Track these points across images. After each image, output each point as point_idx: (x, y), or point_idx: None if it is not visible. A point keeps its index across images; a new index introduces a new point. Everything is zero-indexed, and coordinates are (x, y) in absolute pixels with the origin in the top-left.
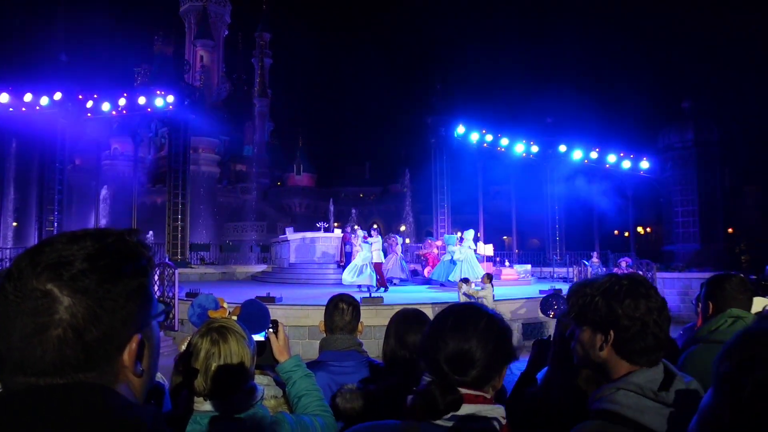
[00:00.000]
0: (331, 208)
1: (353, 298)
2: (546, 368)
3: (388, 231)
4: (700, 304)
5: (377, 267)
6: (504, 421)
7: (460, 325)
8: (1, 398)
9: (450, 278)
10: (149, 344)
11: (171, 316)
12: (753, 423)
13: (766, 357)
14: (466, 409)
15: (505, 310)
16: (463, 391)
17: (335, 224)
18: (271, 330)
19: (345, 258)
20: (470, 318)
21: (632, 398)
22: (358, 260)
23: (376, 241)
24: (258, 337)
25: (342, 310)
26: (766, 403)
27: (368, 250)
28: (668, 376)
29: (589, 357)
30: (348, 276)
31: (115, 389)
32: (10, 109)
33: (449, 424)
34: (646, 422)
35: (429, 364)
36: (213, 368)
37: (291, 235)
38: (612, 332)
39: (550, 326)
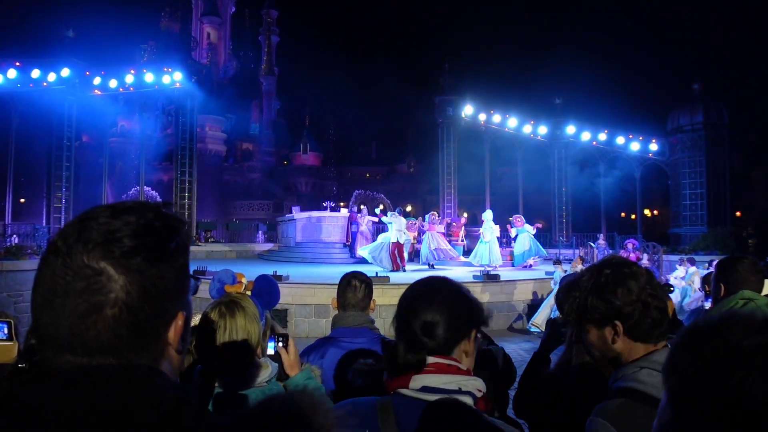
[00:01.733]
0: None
1: (366, 275)
2: (562, 348)
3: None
4: (707, 287)
5: (397, 248)
6: (480, 394)
7: (424, 294)
8: (51, 377)
9: (472, 260)
10: (187, 320)
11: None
12: None
13: (720, 363)
14: (437, 379)
15: (511, 291)
16: (433, 359)
17: (341, 204)
18: (281, 344)
19: (351, 237)
20: (433, 287)
21: (656, 377)
22: (380, 239)
23: (397, 221)
24: (269, 351)
25: (355, 288)
26: (737, 425)
27: (394, 229)
28: None
29: (605, 354)
30: (365, 252)
31: (160, 369)
32: (18, 85)
33: (416, 395)
34: None
35: (401, 330)
36: (218, 341)
37: (297, 214)
38: (618, 323)
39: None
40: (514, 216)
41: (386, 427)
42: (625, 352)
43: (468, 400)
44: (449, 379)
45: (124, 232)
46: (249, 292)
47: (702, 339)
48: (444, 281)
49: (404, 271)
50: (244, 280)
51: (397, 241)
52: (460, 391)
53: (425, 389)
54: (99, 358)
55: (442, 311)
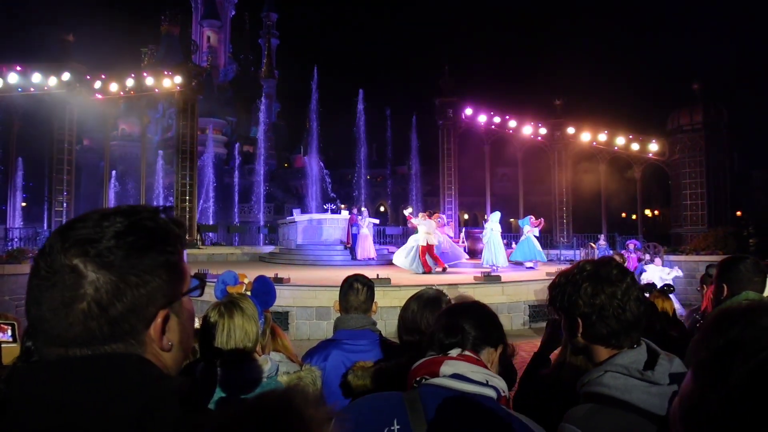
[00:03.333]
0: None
1: (367, 278)
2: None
3: (395, 212)
4: (704, 286)
5: (427, 250)
6: (504, 393)
7: (461, 308)
8: (36, 367)
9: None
10: (179, 319)
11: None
12: (748, 417)
13: (748, 341)
14: (467, 368)
15: (512, 292)
16: (465, 352)
17: (342, 206)
18: None
19: (352, 240)
20: (468, 304)
21: (620, 379)
22: (411, 242)
23: (426, 223)
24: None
25: (357, 290)
26: (760, 394)
27: (423, 231)
28: (652, 355)
29: (574, 344)
30: (400, 259)
31: (147, 358)
32: (19, 90)
33: (445, 382)
34: (635, 401)
35: (439, 328)
36: (217, 340)
37: (298, 216)
38: (579, 320)
39: None
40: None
41: (415, 419)
42: (589, 349)
43: (492, 393)
44: (478, 370)
45: (106, 233)
46: (249, 292)
47: (730, 321)
48: (476, 302)
49: (442, 272)
50: (245, 281)
51: (426, 243)
52: (487, 384)
53: (456, 377)
54: (74, 349)
55: (475, 319)
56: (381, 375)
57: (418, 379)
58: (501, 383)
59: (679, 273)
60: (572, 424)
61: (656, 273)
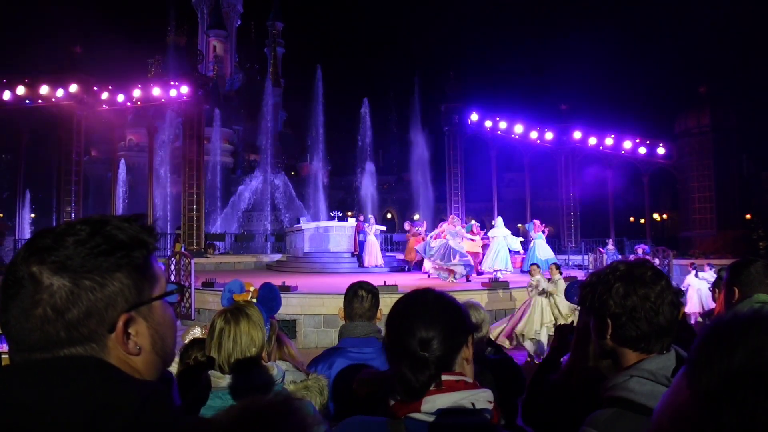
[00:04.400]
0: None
1: (372, 285)
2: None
3: (401, 219)
4: (716, 291)
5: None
6: (491, 405)
7: (414, 311)
8: (2, 371)
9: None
10: (149, 323)
11: (187, 299)
12: None
13: (750, 376)
14: (448, 398)
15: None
16: (443, 377)
17: (348, 213)
18: None
19: (359, 247)
20: (419, 302)
21: (647, 385)
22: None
23: (451, 229)
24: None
25: (361, 298)
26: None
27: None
28: (681, 362)
29: (602, 347)
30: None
31: (106, 361)
32: (27, 102)
33: (431, 418)
34: None
35: (398, 350)
36: (224, 346)
37: (305, 224)
38: (609, 321)
39: None
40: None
41: None
42: (616, 352)
43: (485, 415)
44: (460, 396)
45: (66, 240)
46: (255, 300)
47: (730, 341)
48: (427, 293)
49: (473, 277)
50: (251, 288)
51: (472, 249)
52: (473, 408)
53: (439, 412)
54: (35, 354)
55: (435, 325)
56: (386, 382)
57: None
58: (486, 395)
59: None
60: (594, 428)
61: (701, 283)
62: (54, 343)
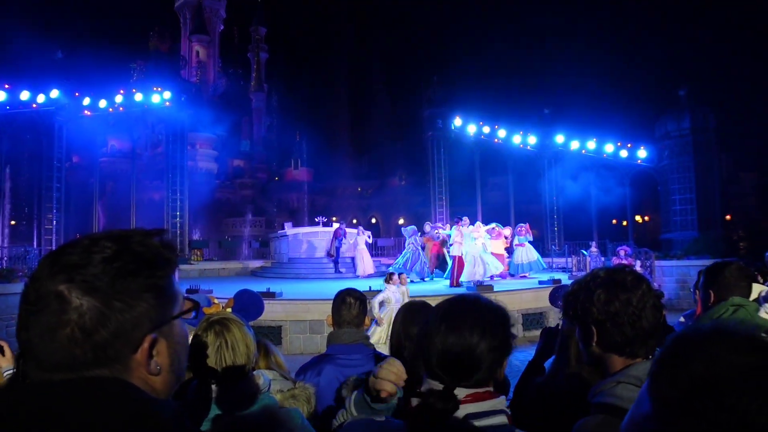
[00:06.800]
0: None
1: (360, 292)
2: (553, 357)
3: (386, 224)
4: (698, 292)
5: (457, 261)
6: (506, 407)
7: (457, 323)
8: (23, 390)
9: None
10: (168, 343)
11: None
12: None
13: (716, 381)
14: (476, 407)
15: (506, 301)
16: (468, 391)
17: (333, 218)
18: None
19: (336, 252)
20: (467, 313)
21: (633, 391)
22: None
23: (456, 232)
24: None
25: (349, 305)
26: None
27: (456, 241)
28: None
29: (590, 354)
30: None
31: (129, 382)
32: (7, 108)
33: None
34: None
35: (426, 367)
36: (227, 358)
37: (290, 230)
38: (593, 328)
39: (550, 316)
40: (519, 225)
41: None
42: (603, 358)
43: (503, 419)
44: (487, 405)
45: (94, 258)
46: (229, 309)
47: (687, 354)
48: (476, 305)
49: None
50: (216, 301)
51: (461, 254)
52: (495, 412)
53: (467, 416)
54: (59, 374)
55: (484, 337)
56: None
57: None
58: (503, 401)
59: None
60: None
61: None
62: (80, 364)
